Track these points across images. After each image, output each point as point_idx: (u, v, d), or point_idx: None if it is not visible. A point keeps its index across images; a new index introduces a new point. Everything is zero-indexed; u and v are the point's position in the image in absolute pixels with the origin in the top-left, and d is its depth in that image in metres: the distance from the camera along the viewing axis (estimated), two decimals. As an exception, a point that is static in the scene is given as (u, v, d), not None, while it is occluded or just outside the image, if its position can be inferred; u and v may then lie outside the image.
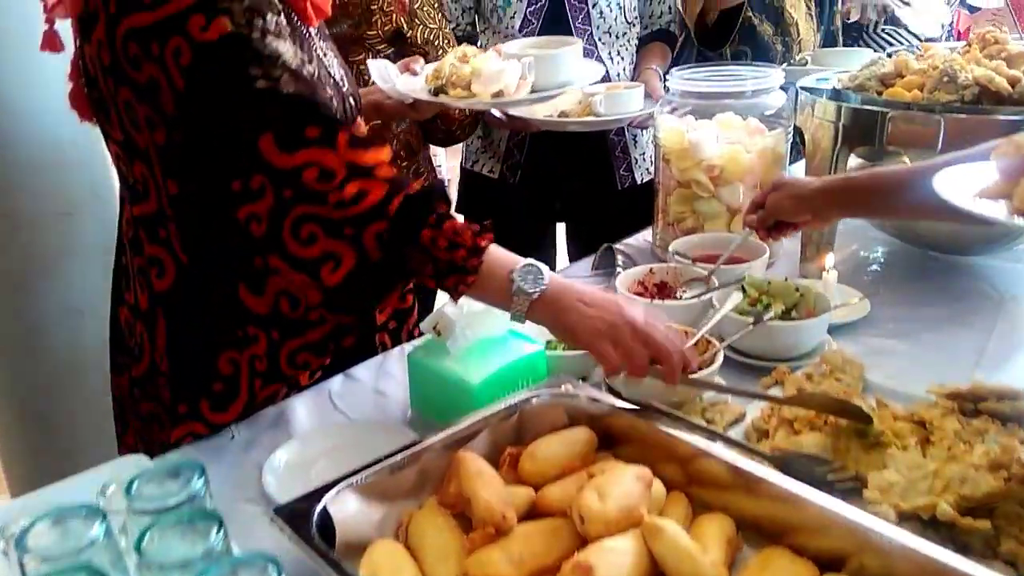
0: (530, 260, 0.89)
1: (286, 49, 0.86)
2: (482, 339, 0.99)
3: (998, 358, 1.10)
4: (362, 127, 1.17)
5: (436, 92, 1.28)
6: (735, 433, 0.94)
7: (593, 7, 1.79)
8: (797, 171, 1.55)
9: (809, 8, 2.18)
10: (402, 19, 1.61)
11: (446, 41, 1.69)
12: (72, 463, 0.96)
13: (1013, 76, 1.18)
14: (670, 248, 1.35)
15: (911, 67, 1.29)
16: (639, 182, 1.89)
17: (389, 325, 1.24)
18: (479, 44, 1.90)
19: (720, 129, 1.43)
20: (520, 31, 1.81)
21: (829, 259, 1.26)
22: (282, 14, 0.88)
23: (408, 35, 1.64)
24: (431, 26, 1.66)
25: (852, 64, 1.78)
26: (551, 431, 0.87)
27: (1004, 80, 1.17)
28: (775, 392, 1.02)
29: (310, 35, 0.98)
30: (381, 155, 0.86)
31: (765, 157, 1.40)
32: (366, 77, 1.49)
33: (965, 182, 0.86)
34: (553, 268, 2.07)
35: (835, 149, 1.29)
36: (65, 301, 1.64)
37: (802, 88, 1.45)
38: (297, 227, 0.83)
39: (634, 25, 1.88)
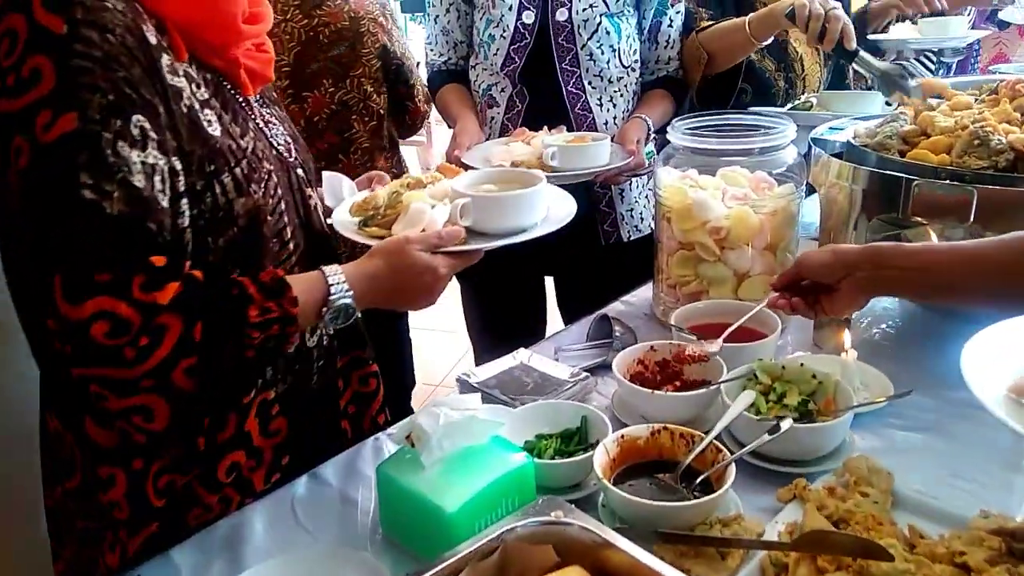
0: (329, 285, 0.90)
1: (135, 161, 0.74)
2: (461, 450, 0.87)
3: (1041, 459, 0.98)
4: (314, 198, 1.10)
5: (363, 224, 1.13)
6: (751, 566, 0.83)
7: (582, 48, 1.66)
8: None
9: None
10: (384, 37, 1.88)
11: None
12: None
13: (1053, 139, 1.07)
14: (672, 319, 1.23)
15: (937, 126, 1.17)
16: (625, 239, 1.77)
17: (348, 410, 1.13)
18: (471, 79, 1.80)
19: (726, 184, 1.32)
20: (502, 69, 1.70)
21: (846, 337, 1.14)
22: (162, 115, 0.77)
23: (391, 49, 1.90)
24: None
25: (862, 108, 1.68)
26: (539, 572, 0.75)
27: (1043, 145, 1.06)
28: (793, 509, 0.90)
29: (249, 105, 0.87)
30: (169, 293, 0.77)
31: (776, 217, 1.29)
32: (367, 88, 1.86)
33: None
34: (544, 322, 2.00)
35: (852, 214, 1.18)
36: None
37: (814, 141, 1.34)
38: (83, 385, 0.75)
39: (632, 70, 1.75)
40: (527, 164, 1.49)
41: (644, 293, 1.52)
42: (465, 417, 0.86)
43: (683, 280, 1.34)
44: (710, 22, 1.82)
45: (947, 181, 1.06)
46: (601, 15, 1.67)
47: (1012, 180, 1.04)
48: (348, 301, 0.90)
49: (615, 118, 1.74)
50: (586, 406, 1.04)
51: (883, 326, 1.36)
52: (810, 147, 1.30)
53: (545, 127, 1.63)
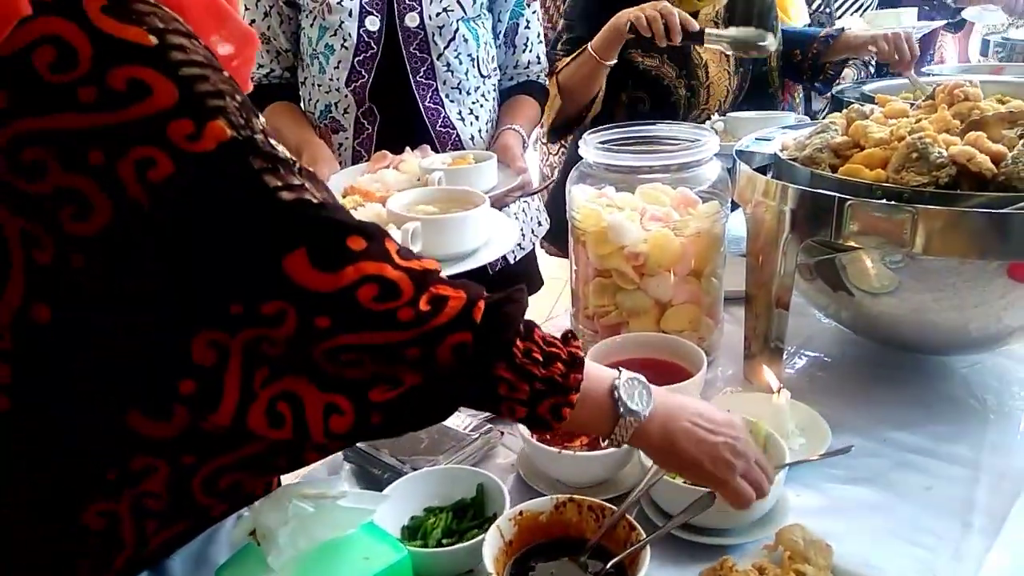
0: (627, 372, 0.75)
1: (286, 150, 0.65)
2: (320, 547, 0.71)
3: (993, 514, 0.87)
4: None
5: None
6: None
7: (439, 58, 1.47)
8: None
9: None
10: None
11: None
12: None
13: (997, 152, 0.96)
14: (587, 357, 1.09)
15: (871, 137, 1.06)
16: (512, 261, 1.62)
17: None
18: (301, 97, 1.57)
19: (645, 203, 1.19)
20: (347, 85, 1.47)
21: (771, 377, 1.02)
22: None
23: None
24: None
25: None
26: None
27: (987, 158, 0.94)
28: (719, 594, 0.76)
29: None
30: (434, 263, 0.69)
31: (700, 240, 1.16)
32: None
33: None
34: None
35: (781, 236, 1.05)
36: None
37: (739, 155, 1.22)
38: (334, 355, 0.63)
39: (489, 78, 1.58)
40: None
41: (560, 321, 1.38)
42: (322, 507, 0.71)
43: (601, 311, 1.20)
44: (568, 59, 1.73)
45: (883, 200, 0.94)
46: (458, 20, 1.48)
47: (954, 199, 0.93)
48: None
49: (480, 131, 1.57)
50: (482, 472, 0.89)
51: (814, 354, 1.25)
52: (734, 161, 1.18)
53: (407, 149, 1.44)
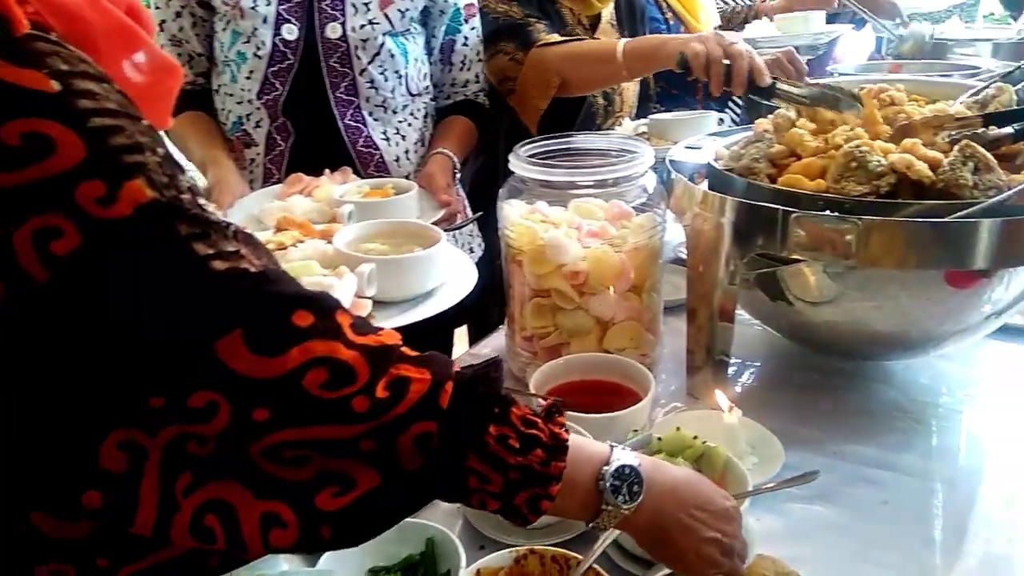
0: (617, 454, 0.66)
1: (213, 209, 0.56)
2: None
3: (952, 527, 0.86)
4: None
5: None
6: None
7: (361, 73, 1.38)
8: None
9: None
10: None
11: None
12: None
13: (934, 159, 0.96)
14: (531, 385, 1.04)
15: (807, 146, 1.04)
16: None
17: None
18: (216, 106, 1.45)
19: (580, 217, 1.14)
20: (259, 96, 1.37)
21: (722, 398, 0.99)
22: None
23: None
24: None
25: (701, 131, 1.53)
26: None
27: (925, 166, 0.94)
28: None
29: None
30: (394, 335, 0.60)
31: (639, 255, 1.12)
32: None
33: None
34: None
35: (722, 248, 1.02)
36: None
37: (673, 164, 1.19)
38: (274, 453, 0.53)
39: (421, 96, 1.49)
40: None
41: (495, 341, 1.32)
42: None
43: (540, 332, 1.15)
44: (555, 36, 1.61)
45: (827, 212, 0.92)
46: (384, 35, 1.38)
47: (896, 208, 0.92)
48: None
49: (407, 152, 1.47)
50: (430, 524, 0.82)
51: (753, 364, 1.23)
52: (669, 173, 1.14)
53: (327, 171, 1.34)
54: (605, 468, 0.64)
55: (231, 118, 1.43)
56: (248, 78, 1.36)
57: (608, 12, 1.83)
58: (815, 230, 0.93)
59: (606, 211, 1.16)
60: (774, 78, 1.33)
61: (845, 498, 0.92)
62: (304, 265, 0.94)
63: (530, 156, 1.15)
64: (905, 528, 0.86)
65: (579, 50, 1.59)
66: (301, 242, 1.02)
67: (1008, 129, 1.05)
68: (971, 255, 0.89)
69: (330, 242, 1.06)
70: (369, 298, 0.96)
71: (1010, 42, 2.58)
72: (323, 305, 0.55)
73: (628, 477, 0.65)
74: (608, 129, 1.75)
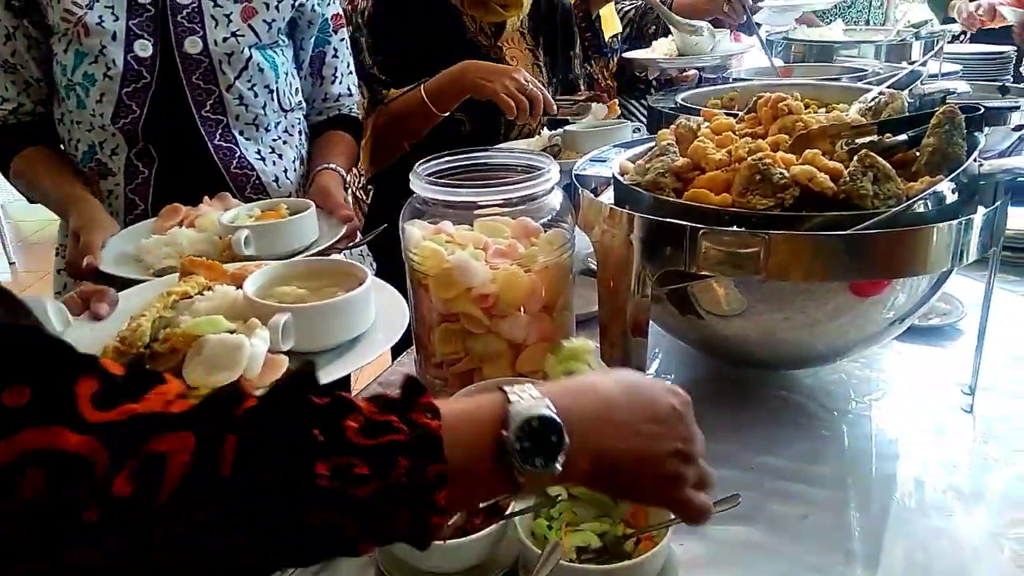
0: (515, 407, 0.51)
1: None
2: None
3: (869, 538, 0.86)
4: None
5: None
6: None
7: (228, 90, 1.29)
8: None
9: (536, 57, 1.87)
10: None
11: None
12: None
13: (835, 169, 0.96)
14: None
15: (711, 159, 1.03)
16: None
17: None
18: (60, 137, 1.33)
19: (487, 236, 1.10)
20: (114, 121, 1.26)
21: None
22: None
23: None
24: None
25: (616, 141, 1.53)
26: None
27: (827, 177, 0.94)
28: None
29: None
30: (172, 389, 0.45)
31: (549, 273, 1.09)
32: None
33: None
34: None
35: (633, 265, 1.00)
36: None
37: (578, 179, 1.17)
38: None
39: (293, 111, 1.43)
40: (210, 257, 1.07)
41: (404, 368, 1.27)
42: None
43: (451, 358, 1.10)
44: (396, 91, 1.64)
45: (734, 228, 0.91)
46: (250, 47, 1.30)
47: (801, 220, 0.92)
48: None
49: (285, 172, 1.40)
50: (340, 581, 0.76)
51: (667, 377, 1.22)
52: (575, 189, 1.12)
53: (205, 198, 1.24)
54: (504, 433, 0.51)
55: (81, 147, 1.31)
56: (99, 102, 1.25)
57: (517, 21, 1.80)
58: (723, 245, 0.91)
59: (513, 228, 1.13)
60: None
61: (765, 515, 0.91)
62: (208, 321, 0.85)
63: (431, 175, 1.11)
64: (826, 543, 0.86)
65: (396, 108, 1.64)
66: (209, 289, 0.92)
67: (902, 136, 1.07)
68: (874, 266, 0.90)
69: (240, 287, 0.96)
70: (286, 353, 0.86)
71: (891, 43, 2.70)
72: (54, 370, 0.42)
73: (538, 430, 0.51)
74: (524, 138, 1.73)
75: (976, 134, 1.06)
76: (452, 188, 1.06)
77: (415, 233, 1.10)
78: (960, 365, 1.14)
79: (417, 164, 1.12)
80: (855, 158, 0.95)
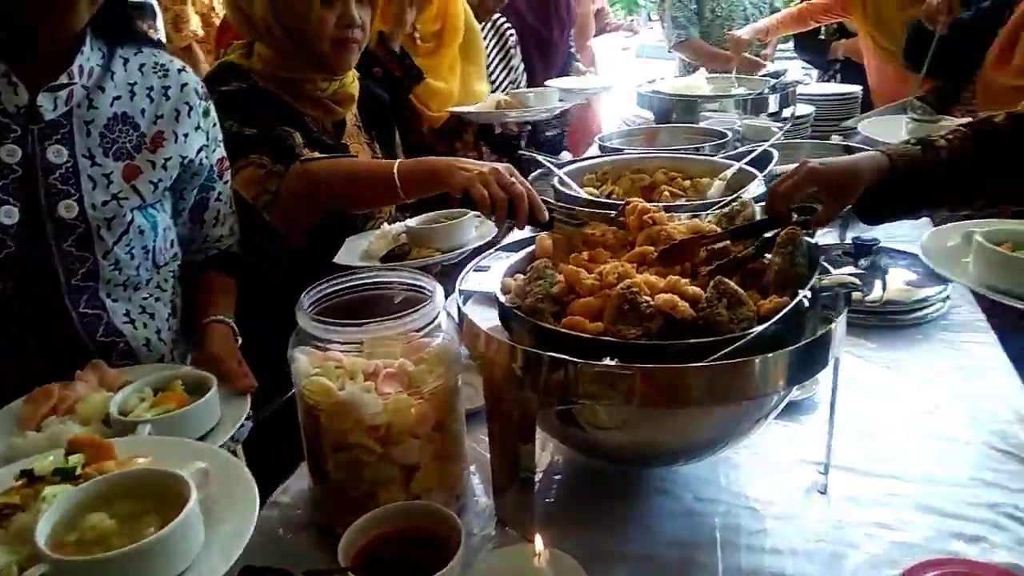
0: None
1: None
2: None
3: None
4: None
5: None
6: None
7: (105, 256, 1.20)
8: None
9: (374, 149, 1.88)
10: None
11: None
12: None
13: (694, 295, 1.05)
14: (339, 549, 1.01)
15: (584, 284, 1.10)
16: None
17: None
18: None
19: (375, 359, 1.13)
20: None
21: (538, 542, 1.02)
22: None
23: None
24: None
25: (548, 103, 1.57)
26: None
27: (687, 305, 1.03)
28: None
29: None
30: None
31: (438, 395, 1.13)
32: None
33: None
34: None
35: (515, 392, 1.05)
36: None
37: (462, 293, 1.21)
38: None
39: (167, 265, 1.35)
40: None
41: (297, 484, 1.26)
42: None
43: (346, 485, 1.13)
44: (319, 155, 1.57)
45: (606, 362, 0.97)
46: (133, 209, 1.23)
47: (666, 350, 0.99)
48: None
49: (158, 333, 1.32)
50: None
51: (554, 476, 1.28)
52: (461, 312, 1.16)
53: (78, 373, 1.13)
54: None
55: None
56: None
57: (351, 115, 1.84)
58: (597, 378, 0.98)
59: (401, 347, 1.16)
60: (551, 211, 1.39)
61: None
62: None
63: (315, 305, 1.13)
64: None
65: (353, 169, 1.58)
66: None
67: (751, 249, 1.18)
68: (735, 391, 0.98)
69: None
70: None
71: (751, 96, 2.90)
72: None
73: None
74: (368, 230, 1.70)
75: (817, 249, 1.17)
76: (336, 328, 1.08)
77: (304, 364, 1.12)
78: (816, 442, 1.24)
79: (303, 295, 1.14)
80: (711, 284, 1.04)
